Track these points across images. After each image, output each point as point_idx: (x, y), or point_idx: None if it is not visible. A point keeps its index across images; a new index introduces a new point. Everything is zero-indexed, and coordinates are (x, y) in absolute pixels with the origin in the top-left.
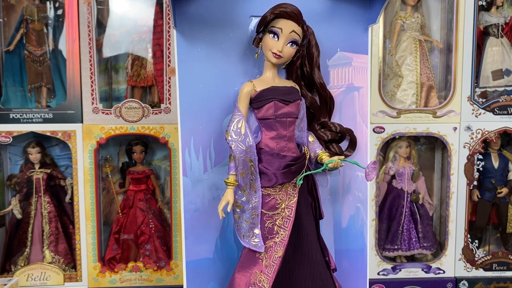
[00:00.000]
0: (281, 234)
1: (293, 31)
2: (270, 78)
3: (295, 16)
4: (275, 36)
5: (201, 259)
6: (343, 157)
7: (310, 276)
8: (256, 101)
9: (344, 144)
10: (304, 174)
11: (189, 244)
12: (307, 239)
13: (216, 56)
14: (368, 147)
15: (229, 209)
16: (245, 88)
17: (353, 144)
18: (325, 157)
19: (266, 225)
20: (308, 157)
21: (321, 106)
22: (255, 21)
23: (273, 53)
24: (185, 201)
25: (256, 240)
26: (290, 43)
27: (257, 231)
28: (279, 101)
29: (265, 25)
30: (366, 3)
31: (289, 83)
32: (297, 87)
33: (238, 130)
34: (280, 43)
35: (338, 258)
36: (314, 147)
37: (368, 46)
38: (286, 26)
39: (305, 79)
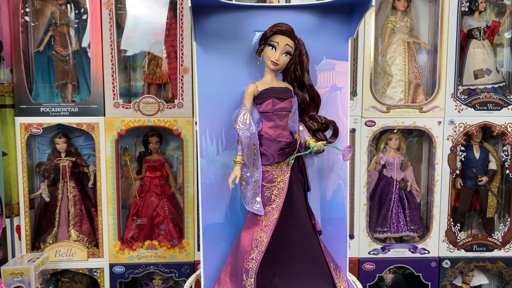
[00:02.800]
0: (277, 202)
1: (287, 44)
2: (269, 81)
3: (288, 33)
4: (273, 48)
5: (214, 223)
6: (325, 142)
7: (299, 234)
8: (258, 99)
9: (329, 133)
10: (295, 155)
11: (204, 212)
12: (297, 206)
13: (227, 62)
14: (348, 135)
15: (237, 181)
16: (249, 88)
17: (336, 133)
18: (311, 142)
19: (265, 194)
20: (299, 142)
21: (310, 102)
22: (258, 35)
23: (271, 61)
24: (202, 178)
25: (257, 205)
26: (285, 54)
27: (258, 199)
28: (276, 98)
29: (265, 40)
30: (347, 20)
31: (284, 84)
32: (290, 87)
33: (244, 121)
34: (277, 54)
35: (324, 224)
36: (304, 135)
37: (348, 54)
38: (282, 41)
39: (297, 81)
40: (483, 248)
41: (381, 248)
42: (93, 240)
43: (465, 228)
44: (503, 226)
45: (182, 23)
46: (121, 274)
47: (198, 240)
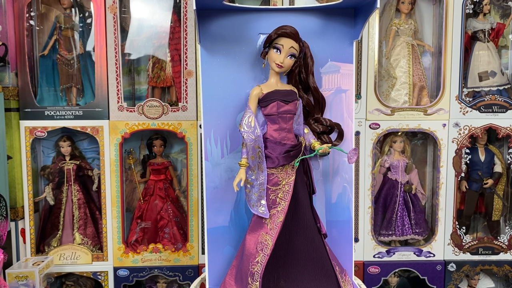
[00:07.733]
0: (282, 204)
1: (292, 47)
2: (274, 83)
3: (293, 35)
4: (278, 51)
5: (218, 227)
6: (330, 144)
7: (305, 237)
8: (263, 101)
9: (334, 136)
10: (300, 158)
11: (209, 215)
12: (302, 209)
13: (232, 65)
14: (353, 137)
15: (242, 184)
16: (254, 91)
17: (340, 135)
18: (316, 145)
19: (270, 197)
20: (303, 145)
21: (315, 105)
22: (262, 38)
23: (276, 64)
24: (207, 180)
25: (262, 208)
26: (290, 56)
27: (263, 202)
28: (281, 101)
29: (270, 42)
30: (351, 22)
31: (289, 87)
32: (295, 90)
33: (249, 124)
34: (282, 56)
35: (329, 227)
36: (309, 137)
37: (353, 56)
38: (286, 43)
39: (302, 83)
40: (489, 251)
41: (386, 251)
42: (97, 243)
43: (470, 231)
44: (509, 229)
45: (186, 26)
46: (125, 277)
47: (203, 243)
